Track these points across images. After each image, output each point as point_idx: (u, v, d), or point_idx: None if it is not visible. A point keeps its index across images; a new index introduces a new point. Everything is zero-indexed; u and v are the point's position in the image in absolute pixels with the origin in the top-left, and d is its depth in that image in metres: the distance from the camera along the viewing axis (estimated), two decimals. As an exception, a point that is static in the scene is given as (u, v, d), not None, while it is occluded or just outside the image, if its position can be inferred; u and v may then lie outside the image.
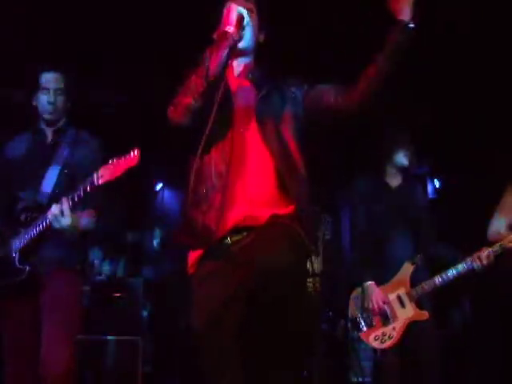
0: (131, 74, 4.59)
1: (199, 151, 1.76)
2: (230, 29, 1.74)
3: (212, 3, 1.95)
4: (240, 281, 1.66)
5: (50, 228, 2.20)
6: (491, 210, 3.48)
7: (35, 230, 2.25)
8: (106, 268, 5.55)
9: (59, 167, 2.40)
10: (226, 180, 1.74)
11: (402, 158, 3.28)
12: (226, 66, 1.74)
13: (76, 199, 2.13)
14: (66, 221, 2.14)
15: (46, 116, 2.47)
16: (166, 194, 6.38)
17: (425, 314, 3.01)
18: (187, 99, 1.71)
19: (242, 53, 1.91)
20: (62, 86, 2.44)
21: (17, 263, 2.28)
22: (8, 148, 2.54)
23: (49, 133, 2.51)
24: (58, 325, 2.26)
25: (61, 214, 2.13)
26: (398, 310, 3.05)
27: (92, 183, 2.08)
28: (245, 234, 1.72)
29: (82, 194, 2.12)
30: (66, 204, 2.13)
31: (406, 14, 1.87)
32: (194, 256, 1.85)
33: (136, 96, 5.07)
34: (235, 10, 1.77)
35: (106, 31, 4.10)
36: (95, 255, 5.42)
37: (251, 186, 1.75)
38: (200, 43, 1.84)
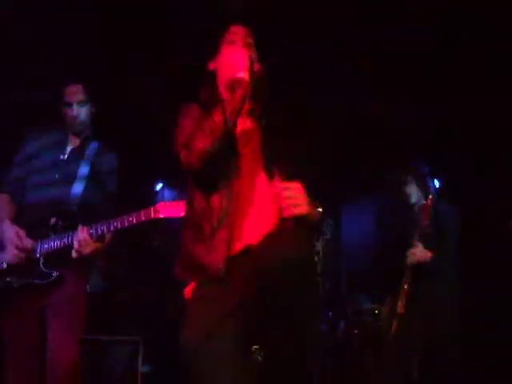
0: (132, 74, 4.59)
1: (209, 190, 1.78)
2: (244, 76, 1.75)
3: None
4: (237, 298, 1.66)
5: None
6: (491, 209, 3.49)
7: (66, 241, 2.31)
8: (106, 268, 5.54)
9: (84, 178, 2.47)
10: (233, 218, 1.73)
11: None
12: (240, 112, 1.77)
13: (126, 225, 2.24)
14: (88, 250, 2.25)
15: (72, 129, 2.54)
16: (166, 193, 6.38)
17: None
18: (202, 144, 1.71)
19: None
20: (84, 97, 2.51)
21: (42, 266, 2.31)
22: (32, 144, 2.57)
23: (75, 142, 2.57)
24: (66, 325, 2.28)
25: (85, 245, 2.23)
26: None
27: (148, 216, 2.20)
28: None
29: (134, 221, 2.22)
30: (86, 235, 2.23)
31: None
32: (192, 285, 1.85)
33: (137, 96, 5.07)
34: (247, 57, 1.79)
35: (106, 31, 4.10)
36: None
37: (256, 224, 1.74)
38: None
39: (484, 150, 5.01)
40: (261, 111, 1.92)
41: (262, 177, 1.80)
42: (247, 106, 1.88)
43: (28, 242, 2.32)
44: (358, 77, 4.51)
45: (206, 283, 1.75)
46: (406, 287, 3.31)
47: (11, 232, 2.33)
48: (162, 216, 2.22)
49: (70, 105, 2.49)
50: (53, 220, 2.37)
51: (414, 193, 3.63)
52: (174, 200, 2.26)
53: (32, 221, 2.40)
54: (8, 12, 3.80)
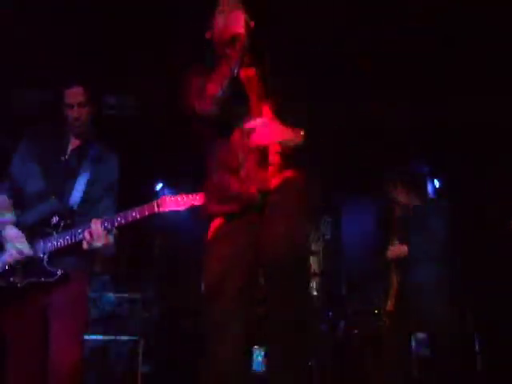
0: (132, 74, 4.59)
1: (227, 131, 2.02)
2: (241, 30, 1.99)
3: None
4: (251, 243, 1.91)
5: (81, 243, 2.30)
6: (491, 209, 3.49)
7: (69, 239, 2.32)
8: (106, 268, 5.55)
9: (86, 176, 2.48)
10: (254, 151, 1.98)
11: None
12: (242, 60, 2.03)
13: (130, 220, 2.26)
14: (100, 244, 2.27)
15: (74, 130, 2.56)
16: (166, 193, 6.37)
17: None
18: (213, 91, 1.96)
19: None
20: (84, 99, 2.51)
21: (46, 264, 2.32)
22: (33, 143, 2.57)
23: (76, 142, 2.58)
24: (69, 324, 2.30)
25: (98, 238, 2.25)
26: None
27: (151, 210, 2.23)
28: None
29: (138, 216, 2.25)
30: (99, 227, 2.25)
31: None
32: (214, 224, 2.02)
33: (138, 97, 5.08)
34: (240, 15, 2.01)
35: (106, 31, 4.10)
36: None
37: (270, 154, 2.01)
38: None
39: (484, 149, 5.01)
40: (259, 60, 2.15)
41: (268, 113, 2.05)
42: (247, 57, 2.10)
43: (26, 246, 2.33)
44: (357, 77, 4.51)
45: (235, 216, 1.96)
46: (393, 285, 3.44)
47: (12, 232, 2.35)
48: (165, 209, 2.24)
49: (70, 106, 2.50)
50: (54, 219, 2.38)
51: (401, 194, 3.68)
52: (177, 194, 2.28)
53: (34, 220, 2.41)
54: (8, 12, 3.81)
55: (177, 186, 6.25)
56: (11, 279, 2.33)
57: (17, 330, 2.34)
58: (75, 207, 2.42)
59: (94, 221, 2.28)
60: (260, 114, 2.05)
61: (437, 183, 6.14)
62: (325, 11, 3.90)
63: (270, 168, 2.01)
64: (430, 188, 6.17)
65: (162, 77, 4.60)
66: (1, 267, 2.34)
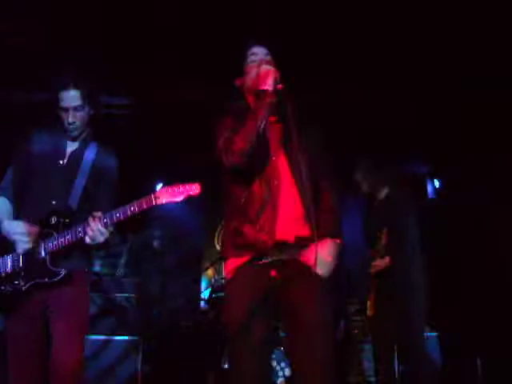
0: (132, 74, 4.59)
1: (248, 180, 2.17)
2: (270, 89, 2.12)
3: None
4: (270, 297, 2.07)
5: (82, 240, 2.30)
6: (491, 209, 3.50)
7: (70, 237, 2.32)
8: (106, 268, 5.56)
9: (84, 179, 2.49)
10: (273, 203, 2.13)
11: None
12: (268, 117, 2.15)
13: (129, 213, 2.25)
14: (102, 239, 2.27)
15: (69, 133, 2.55)
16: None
17: None
18: (241, 146, 2.10)
19: None
20: (80, 102, 2.48)
21: (49, 265, 2.33)
22: (31, 146, 2.56)
23: (74, 145, 2.58)
24: (70, 324, 2.30)
25: (99, 234, 2.24)
26: None
27: (149, 203, 2.23)
28: (282, 256, 2.11)
29: (136, 210, 2.25)
30: (100, 223, 2.24)
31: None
32: (234, 264, 2.17)
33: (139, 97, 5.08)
34: (272, 73, 2.14)
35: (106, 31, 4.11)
36: (95, 256, 5.42)
37: (287, 209, 2.14)
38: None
39: (484, 149, 5.01)
40: (282, 109, 2.23)
41: (285, 163, 2.19)
42: (273, 113, 2.21)
43: (34, 227, 2.35)
44: (357, 77, 4.52)
45: (250, 262, 2.10)
46: (372, 293, 3.63)
47: (16, 225, 2.37)
48: (163, 201, 2.22)
49: (66, 110, 2.48)
50: (53, 219, 2.38)
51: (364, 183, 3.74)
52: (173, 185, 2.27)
53: (34, 222, 2.41)
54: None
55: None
56: (16, 282, 2.34)
57: (20, 331, 2.34)
58: (74, 207, 2.43)
59: (92, 217, 2.27)
60: (277, 164, 2.19)
61: (437, 183, 6.15)
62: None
63: (288, 222, 2.12)
64: (429, 188, 6.19)
65: (163, 77, 4.61)
66: (6, 270, 2.35)
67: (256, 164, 2.16)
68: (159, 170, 6.13)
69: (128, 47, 4.29)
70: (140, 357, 4.20)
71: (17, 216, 2.47)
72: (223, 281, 5.55)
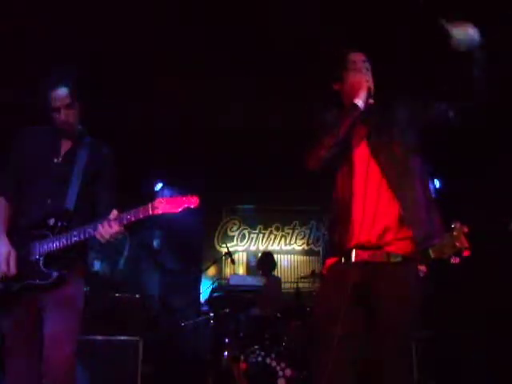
0: (133, 75, 4.59)
1: (339, 188, 2.25)
2: (360, 103, 2.20)
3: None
4: (359, 300, 2.09)
5: (86, 240, 2.31)
6: (491, 210, 3.49)
7: (65, 241, 2.31)
8: (106, 268, 5.56)
9: (81, 176, 2.47)
10: (357, 207, 2.16)
11: None
12: (353, 128, 2.21)
13: (125, 222, 2.25)
14: (112, 238, 2.27)
15: (62, 132, 2.53)
16: (166, 193, 6.39)
17: None
18: (321, 152, 2.19)
19: None
20: (70, 100, 2.46)
21: (42, 266, 2.32)
22: (26, 146, 2.55)
23: (68, 144, 2.56)
24: (62, 323, 2.29)
25: (109, 234, 2.25)
26: None
27: (146, 212, 2.23)
28: (367, 254, 2.14)
29: (133, 219, 2.25)
30: (114, 224, 2.25)
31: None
32: (329, 262, 2.26)
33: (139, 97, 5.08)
34: (366, 87, 2.23)
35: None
36: (95, 256, 5.43)
37: (372, 212, 2.16)
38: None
39: (484, 149, 5.01)
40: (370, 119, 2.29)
41: (374, 167, 2.19)
42: (362, 126, 2.26)
43: (14, 269, 2.33)
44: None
45: (339, 263, 2.18)
46: None
47: (4, 249, 2.35)
48: (160, 212, 2.22)
49: (57, 110, 2.45)
50: (51, 221, 2.37)
51: None
52: (171, 196, 2.28)
53: (29, 222, 2.40)
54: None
55: (177, 186, 6.27)
56: (7, 282, 2.33)
57: (13, 331, 2.34)
58: (71, 208, 2.41)
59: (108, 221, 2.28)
60: (366, 173, 2.20)
61: (437, 183, 6.15)
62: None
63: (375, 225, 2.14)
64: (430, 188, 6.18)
65: (163, 77, 4.61)
66: None
67: (341, 171, 2.25)
68: (159, 170, 6.13)
69: (128, 47, 4.29)
70: (140, 357, 4.19)
71: (15, 215, 2.47)
72: (223, 281, 5.57)
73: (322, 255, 7.38)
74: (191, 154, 5.48)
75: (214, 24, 4.06)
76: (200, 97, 4.89)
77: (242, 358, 4.11)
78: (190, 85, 4.71)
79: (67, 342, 2.29)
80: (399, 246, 2.11)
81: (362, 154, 2.23)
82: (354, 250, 2.13)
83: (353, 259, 2.13)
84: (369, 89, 2.25)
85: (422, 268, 3.32)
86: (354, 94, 2.22)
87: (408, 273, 2.12)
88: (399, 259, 2.10)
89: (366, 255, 2.12)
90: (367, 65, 2.35)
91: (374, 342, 2.07)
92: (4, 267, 2.31)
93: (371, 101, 2.28)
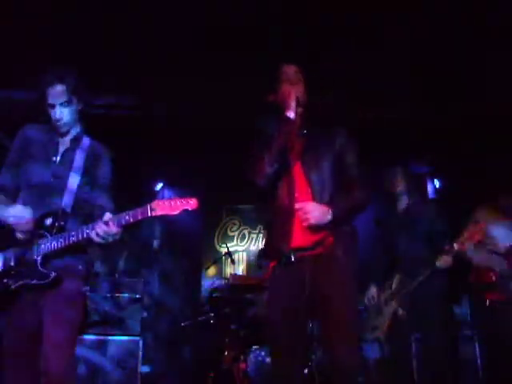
0: (133, 75, 4.59)
1: (275, 197, 2.43)
2: (291, 115, 2.34)
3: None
4: (300, 286, 2.30)
5: (84, 240, 2.30)
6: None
7: (63, 241, 2.31)
8: (106, 268, 5.56)
9: (78, 176, 2.47)
10: (291, 216, 2.36)
11: None
12: (289, 140, 2.39)
13: (123, 223, 2.25)
14: (110, 239, 2.28)
15: (58, 130, 2.53)
16: (166, 193, 6.39)
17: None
18: (265, 169, 2.37)
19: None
20: (66, 97, 2.46)
21: (39, 267, 2.32)
22: (24, 144, 2.54)
23: (65, 142, 2.56)
24: (61, 324, 2.28)
25: (106, 234, 2.25)
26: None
27: (144, 214, 2.23)
28: (303, 253, 2.34)
29: (131, 220, 2.25)
30: (111, 225, 2.25)
31: None
32: (271, 265, 2.48)
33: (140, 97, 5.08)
34: (294, 97, 2.36)
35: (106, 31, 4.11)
36: (95, 256, 5.42)
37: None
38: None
39: (484, 149, 5.01)
40: (303, 128, 2.49)
41: (301, 174, 2.40)
42: (296, 134, 2.43)
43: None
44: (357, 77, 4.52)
45: (280, 265, 2.39)
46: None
47: (11, 208, 2.36)
48: (158, 214, 2.22)
49: (53, 106, 2.46)
50: (48, 221, 2.37)
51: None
52: (170, 198, 2.27)
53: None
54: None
55: (177, 186, 6.27)
56: (5, 281, 2.32)
57: (12, 331, 2.34)
58: (68, 209, 2.41)
59: (104, 222, 2.27)
60: (295, 177, 2.41)
61: (437, 183, 6.15)
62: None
63: (299, 231, 2.35)
64: (430, 188, 6.18)
65: (163, 76, 4.61)
66: None
67: (281, 181, 2.42)
68: (159, 169, 6.13)
69: (128, 47, 4.30)
70: (140, 357, 4.20)
71: None
72: (223, 281, 5.56)
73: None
74: (191, 154, 5.47)
75: (215, 24, 4.08)
76: (200, 97, 4.89)
77: (242, 358, 4.11)
78: (190, 85, 4.71)
79: (67, 342, 2.28)
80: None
81: (298, 168, 2.42)
82: (292, 252, 2.34)
83: (292, 259, 2.34)
84: (297, 98, 2.37)
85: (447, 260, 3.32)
86: (285, 105, 2.36)
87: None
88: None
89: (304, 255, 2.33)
90: (299, 76, 2.49)
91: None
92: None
93: (300, 109, 2.42)
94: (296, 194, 2.38)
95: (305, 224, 2.29)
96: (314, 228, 2.31)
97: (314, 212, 2.27)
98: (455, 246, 3.30)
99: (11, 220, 2.34)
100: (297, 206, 2.31)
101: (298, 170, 2.42)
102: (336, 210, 2.31)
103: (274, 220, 2.45)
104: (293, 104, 2.35)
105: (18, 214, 2.34)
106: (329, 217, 2.29)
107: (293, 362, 2.30)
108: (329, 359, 2.34)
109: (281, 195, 2.42)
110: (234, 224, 7.38)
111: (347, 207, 2.38)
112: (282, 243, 2.37)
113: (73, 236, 2.30)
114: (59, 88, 2.44)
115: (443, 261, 3.34)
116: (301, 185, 2.41)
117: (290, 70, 2.50)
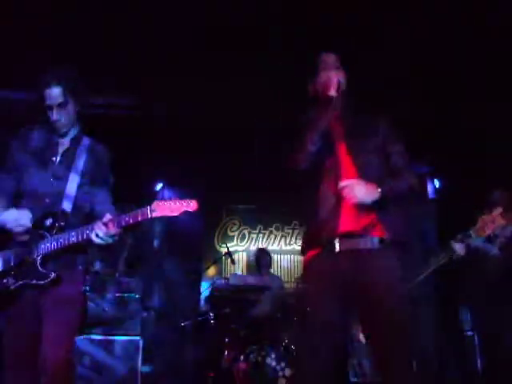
0: (133, 75, 4.59)
1: (319, 183, 2.34)
2: (333, 93, 2.34)
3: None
4: (342, 282, 2.20)
5: (84, 241, 2.30)
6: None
7: (63, 242, 2.32)
8: (106, 268, 5.55)
9: (78, 176, 2.47)
10: (338, 200, 2.26)
11: None
12: (332, 118, 2.36)
13: (123, 224, 2.25)
14: (109, 240, 2.28)
15: (56, 131, 2.53)
16: (166, 193, 6.39)
17: None
18: (306, 148, 2.30)
19: None
20: (63, 99, 2.46)
21: (39, 267, 2.32)
22: (23, 144, 2.55)
23: (65, 143, 2.56)
24: (61, 323, 2.29)
25: (106, 235, 2.25)
26: None
27: (144, 215, 2.23)
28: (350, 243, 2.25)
29: (131, 221, 2.24)
30: (111, 226, 2.25)
31: None
32: (308, 256, 2.37)
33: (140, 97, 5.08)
34: (335, 79, 2.35)
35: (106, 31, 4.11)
36: (95, 256, 5.42)
37: (353, 209, 2.26)
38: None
39: (484, 149, 5.01)
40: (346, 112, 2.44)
41: (348, 161, 2.33)
42: (338, 114, 2.38)
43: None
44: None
45: (319, 255, 2.29)
46: None
47: (7, 214, 2.37)
48: (158, 215, 2.22)
49: (50, 108, 2.47)
50: (48, 221, 2.38)
51: None
52: (170, 200, 2.28)
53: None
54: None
55: (177, 186, 6.26)
56: (4, 281, 2.33)
57: (12, 330, 2.34)
58: (68, 209, 2.41)
59: (103, 222, 2.28)
60: (340, 164, 2.33)
61: (437, 183, 6.16)
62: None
63: (347, 215, 2.26)
64: (430, 188, 6.19)
65: (163, 76, 4.61)
66: None
67: (323, 166, 2.34)
68: (159, 169, 6.13)
69: (128, 47, 4.30)
70: (140, 357, 4.20)
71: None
72: (223, 280, 5.56)
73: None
74: (191, 154, 5.47)
75: (215, 24, 4.08)
76: (200, 97, 4.89)
77: (242, 358, 4.11)
78: (190, 85, 4.71)
79: (66, 342, 2.29)
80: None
81: (343, 149, 2.36)
82: (338, 239, 2.24)
83: (337, 249, 2.24)
84: (338, 80, 2.36)
85: None
86: (326, 86, 2.36)
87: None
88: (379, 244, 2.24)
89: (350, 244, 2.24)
90: (338, 64, 2.48)
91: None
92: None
93: (341, 94, 2.38)
94: (342, 176, 2.28)
95: (352, 202, 2.19)
96: (363, 209, 2.22)
97: (361, 188, 2.18)
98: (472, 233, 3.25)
99: (9, 226, 2.35)
100: (342, 183, 2.20)
101: (342, 151, 2.35)
102: (384, 187, 2.22)
103: (318, 206, 2.30)
104: (334, 84, 2.34)
105: (17, 219, 2.35)
106: (376, 194, 2.20)
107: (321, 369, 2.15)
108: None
109: (325, 179, 2.33)
110: (234, 224, 7.39)
111: (395, 187, 2.30)
112: (328, 228, 2.25)
113: (73, 237, 2.31)
114: (56, 89, 2.45)
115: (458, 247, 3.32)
116: (346, 166, 2.32)
117: (330, 59, 2.48)
